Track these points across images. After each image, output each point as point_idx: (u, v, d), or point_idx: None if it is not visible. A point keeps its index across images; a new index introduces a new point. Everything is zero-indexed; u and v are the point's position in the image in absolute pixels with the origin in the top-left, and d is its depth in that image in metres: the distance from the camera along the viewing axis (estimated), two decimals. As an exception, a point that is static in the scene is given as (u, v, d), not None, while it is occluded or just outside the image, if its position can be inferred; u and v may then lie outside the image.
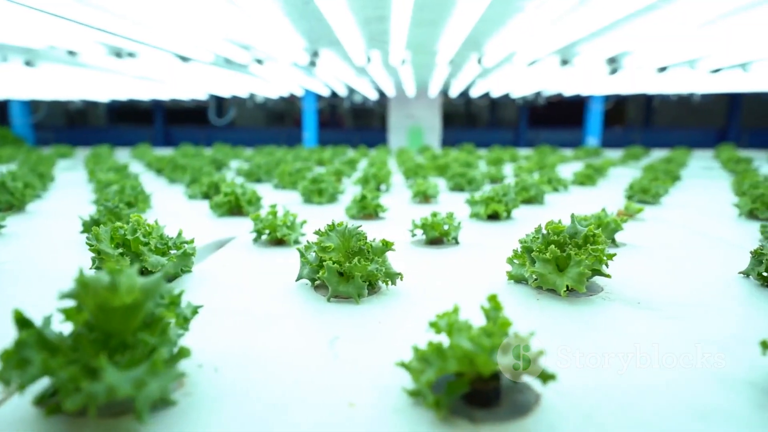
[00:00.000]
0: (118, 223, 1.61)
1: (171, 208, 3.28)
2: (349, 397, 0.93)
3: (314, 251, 1.52)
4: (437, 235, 2.16)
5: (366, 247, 1.50)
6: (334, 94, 11.74)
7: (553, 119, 17.51)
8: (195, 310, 1.10)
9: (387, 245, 1.53)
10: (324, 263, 1.45)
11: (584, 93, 10.32)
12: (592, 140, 11.03)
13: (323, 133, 15.72)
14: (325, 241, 1.50)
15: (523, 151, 10.19)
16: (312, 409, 0.89)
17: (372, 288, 1.53)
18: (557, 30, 4.44)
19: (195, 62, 5.64)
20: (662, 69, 5.86)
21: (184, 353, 0.92)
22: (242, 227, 2.54)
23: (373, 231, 2.48)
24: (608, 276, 1.50)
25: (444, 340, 0.91)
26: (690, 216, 2.94)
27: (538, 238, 1.56)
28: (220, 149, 9.86)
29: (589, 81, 7.94)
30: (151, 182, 5.00)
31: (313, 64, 5.49)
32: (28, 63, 6.03)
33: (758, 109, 16.56)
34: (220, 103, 13.80)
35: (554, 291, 1.49)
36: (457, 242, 2.20)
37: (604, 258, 1.48)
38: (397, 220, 2.77)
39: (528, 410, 0.88)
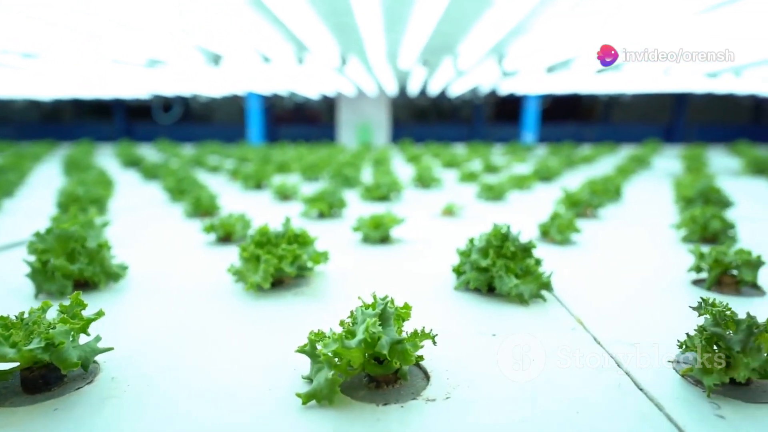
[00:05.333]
0: None
1: (28, 204, 3.36)
2: None
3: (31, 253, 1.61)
4: (225, 234, 2.26)
5: (78, 249, 1.60)
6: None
7: (509, 115, 17.74)
8: None
9: (102, 246, 1.63)
10: (31, 264, 1.54)
11: (519, 92, 10.54)
12: (529, 136, 11.25)
13: (294, 128, 15.63)
14: (39, 244, 1.59)
15: (460, 148, 10.35)
16: None
17: (95, 285, 1.63)
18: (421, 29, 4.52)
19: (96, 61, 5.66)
20: (550, 69, 6.05)
21: None
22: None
23: (190, 229, 2.58)
24: (292, 274, 1.60)
25: None
26: (509, 212, 3.09)
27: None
28: (162, 146, 9.89)
29: (524, 80, 8.07)
30: (53, 177, 5.09)
31: (216, 62, 5.56)
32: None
33: (704, 105, 16.98)
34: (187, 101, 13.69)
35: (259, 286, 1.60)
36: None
37: (297, 255, 1.59)
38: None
39: (64, 393, 0.99)
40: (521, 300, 1.46)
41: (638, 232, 2.54)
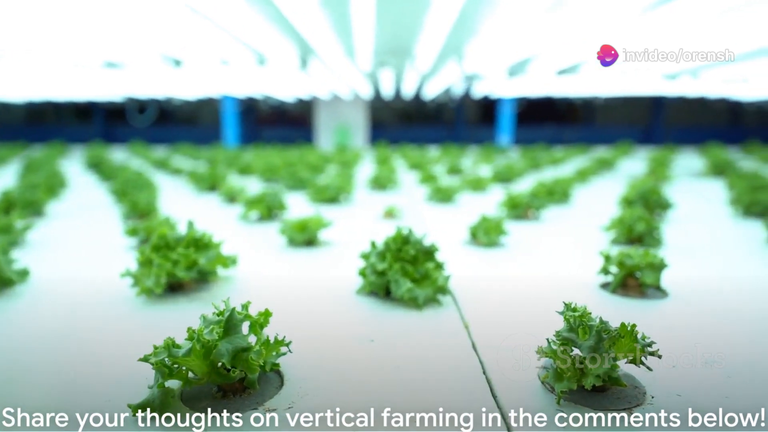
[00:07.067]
0: None
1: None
2: None
3: None
4: (148, 237, 2.21)
5: (-33, 252, 1.55)
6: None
7: (491, 117, 17.76)
8: None
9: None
10: None
11: (492, 94, 10.56)
12: (504, 138, 11.29)
13: (276, 131, 15.53)
14: (-76, 248, 1.54)
15: (436, 150, 10.32)
16: None
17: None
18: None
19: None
20: (512, 72, 6.06)
21: None
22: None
23: (119, 232, 2.52)
24: (186, 278, 1.56)
25: None
26: (453, 214, 3.06)
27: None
28: (135, 148, 9.79)
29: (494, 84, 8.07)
30: (9, 180, 5.01)
31: (178, 63, 5.50)
32: None
33: (682, 108, 17.15)
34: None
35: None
36: (171, 244, 2.25)
37: (194, 260, 1.55)
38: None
39: None
40: (415, 304, 1.44)
41: (571, 234, 2.52)
